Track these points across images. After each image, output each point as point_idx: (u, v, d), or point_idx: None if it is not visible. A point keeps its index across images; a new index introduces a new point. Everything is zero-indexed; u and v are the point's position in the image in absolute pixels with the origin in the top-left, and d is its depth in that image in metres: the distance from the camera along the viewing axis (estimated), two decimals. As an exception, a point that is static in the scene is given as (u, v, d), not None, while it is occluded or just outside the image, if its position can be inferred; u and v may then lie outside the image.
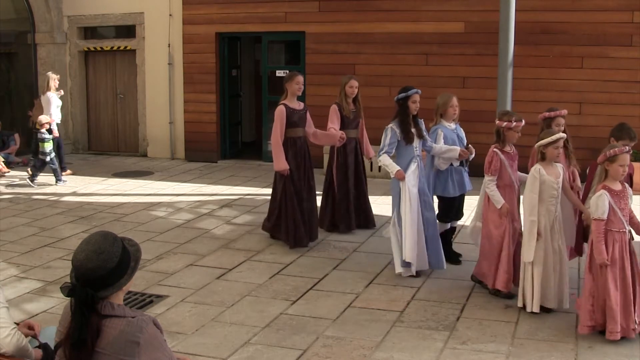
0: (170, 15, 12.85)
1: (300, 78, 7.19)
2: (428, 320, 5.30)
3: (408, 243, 6.08)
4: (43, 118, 10.66)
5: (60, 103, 11.13)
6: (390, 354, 4.72)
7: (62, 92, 11.40)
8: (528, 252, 5.26)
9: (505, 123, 5.69)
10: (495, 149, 5.72)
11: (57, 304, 5.62)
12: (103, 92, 13.99)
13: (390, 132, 6.29)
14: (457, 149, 6.31)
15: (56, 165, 10.79)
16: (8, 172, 11.61)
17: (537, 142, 5.30)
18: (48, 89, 10.94)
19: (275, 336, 5.03)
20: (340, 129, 7.55)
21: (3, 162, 11.67)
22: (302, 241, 7.17)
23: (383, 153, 6.30)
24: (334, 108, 7.68)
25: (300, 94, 7.24)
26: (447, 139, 6.43)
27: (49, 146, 10.59)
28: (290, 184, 7.09)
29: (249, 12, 12.24)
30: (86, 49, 13.82)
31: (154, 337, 2.52)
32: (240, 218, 8.60)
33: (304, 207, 7.19)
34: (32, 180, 10.63)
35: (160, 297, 5.84)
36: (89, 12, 13.54)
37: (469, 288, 5.96)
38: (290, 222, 7.11)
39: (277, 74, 12.80)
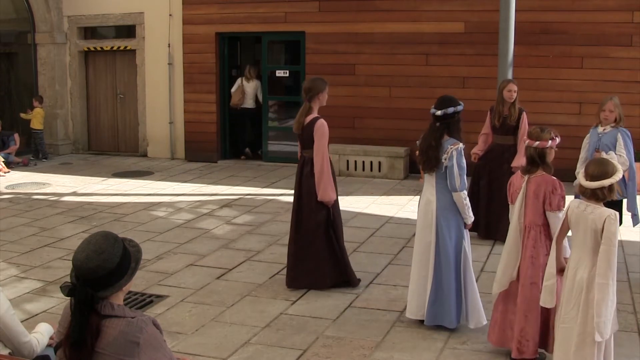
0: (170, 15, 12.85)
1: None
2: (428, 320, 5.30)
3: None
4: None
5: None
6: (390, 354, 4.72)
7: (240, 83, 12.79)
8: None
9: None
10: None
11: (57, 304, 5.63)
12: (103, 92, 13.98)
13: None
14: None
15: None
16: (8, 172, 11.62)
17: None
18: (252, 77, 12.55)
19: (275, 336, 5.03)
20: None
21: (3, 162, 11.68)
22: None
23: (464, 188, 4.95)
24: (488, 113, 7.34)
25: None
26: (590, 143, 6.21)
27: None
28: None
29: (249, 12, 12.24)
30: (86, 49, 13.82)
31: (153, 338, 2.52)
32: (240, 218, 8.60)
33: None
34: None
35: (160, 297, 5.84)
36: (89, 12, 13.53)
37: (469, 288, 5.95)
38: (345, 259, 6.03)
39: (277, 74, 12.82)
